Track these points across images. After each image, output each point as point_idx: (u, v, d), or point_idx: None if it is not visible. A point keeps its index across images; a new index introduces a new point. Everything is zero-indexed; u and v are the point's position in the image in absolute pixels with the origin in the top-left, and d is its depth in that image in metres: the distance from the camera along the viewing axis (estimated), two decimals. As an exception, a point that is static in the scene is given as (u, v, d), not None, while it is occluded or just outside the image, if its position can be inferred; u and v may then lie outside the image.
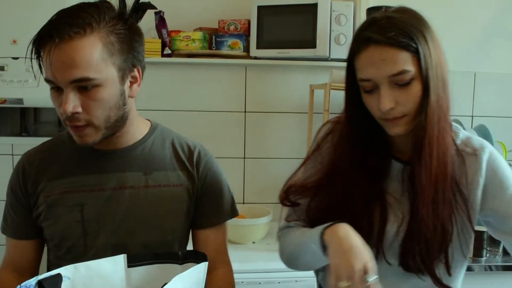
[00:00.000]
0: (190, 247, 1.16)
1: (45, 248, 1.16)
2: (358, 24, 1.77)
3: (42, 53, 0.95)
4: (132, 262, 0.92)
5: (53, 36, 0.91)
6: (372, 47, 0.91)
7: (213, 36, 2.15)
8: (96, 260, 0.89)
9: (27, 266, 1.14)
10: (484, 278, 1.83)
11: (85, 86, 0.94)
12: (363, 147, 1.01)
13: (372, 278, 0.86)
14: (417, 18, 0.95)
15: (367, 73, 0.93)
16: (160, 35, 2.11)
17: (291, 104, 2.27)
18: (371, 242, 0.99)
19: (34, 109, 2.17)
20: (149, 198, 1.08)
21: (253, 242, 1.99)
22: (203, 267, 0.89)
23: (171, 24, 2.13)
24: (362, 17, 2.05)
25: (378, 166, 1.03)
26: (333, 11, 2.05)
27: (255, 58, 2.14)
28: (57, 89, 0.96)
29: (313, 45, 2.04)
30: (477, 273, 1.83)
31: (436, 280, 1.00)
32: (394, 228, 1.01)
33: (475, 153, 1.03)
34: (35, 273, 1.15)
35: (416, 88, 0.92)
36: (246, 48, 2.15)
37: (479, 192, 1.02)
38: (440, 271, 1.00)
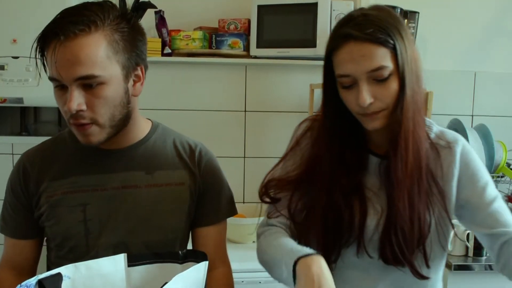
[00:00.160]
0: (189, 245, 1.16)
1: (44, 247, 1.16)
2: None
3: (46, 52, 0.95)
4: (132, 262, 0.92)
5: (58, 34, 0.91)
6: (351, 43, 0.93)
7: (213, 36, 2.15)
8: (96, 260, 0.89)
9: (25, 265, 1.14)
10: (484, 277, 1.83)
11: (89, 84, 0.94)
12: (341, 142, 1.03)
13: None
14: (392, 16, 0.97)
15: (346, 69, 0.95)
16: (160, 35, 2.11)
17: (291, 103, 2.27)
18: (352, 236, 1.01)
19: (34, 109, 2.17)
20: (151, 197, 1.08)
21: (253, 242, 1.99)
22: (203, 266, 0.89)
23: (171, 24, 2.13)
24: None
25: (356, 161, 1.05)
26: (333, 10, 2.05)
27: (255, 57, 2.14)
28: (61, 88, 0.96)
29: (313, 45, 2.04)
30: (477, 273, 1.83)
31: (415, 271, 1.02)
32: (374, 221, 1.02)
33: (449, 146, 1.06)
34: (34, 271, 1.15)
35: (393, 84, 0.94)
36: (246, 48, 2.15)
37: (454, 184, 1.05)
38: (419, 262, 1.02)
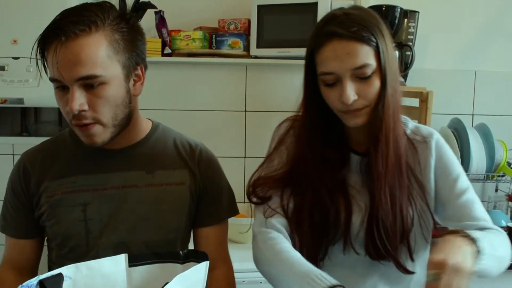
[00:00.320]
0: (191, 245, 1.16)
1: (45, 247, 1.16)
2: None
3: (46, 53, 0.95)
4: (133, 262, 0.92)
5: (59, 35, 0.92)
6: (336, 41, 0.94)
7: (213, 36, 2.15)
8: (98, 260, 0.89)
9: (26, 264, 1.14)
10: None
11: (91, 84, 0.95)
12: (322, 140, 1.05)
13: None
14: (372, 15, 0.99)
15: (330, 67, 0.96)
16: (160, 35, 2.11)
17: (292, 103, 2.26)
18: (338, 232, 1.03)
19: (35, 109, 2.17)
20: (152, 197, 1.08)
21: (254, 241, 1.99)
22: (204, 266, 0.89)
23: (171, 24, 2.13)
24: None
25: (338, 159, 1.06)
26: (333, 10, 2.05)
27: (255, 57, 2.14)
28: (62, 89, 0.96)
29: (314, 44, 2.04)
30: (478, 272, 1.83)
31: (400, 265, 1.03)
32: (359, 219, 1.04)
33: (425, 140, 1.08)
34: (35, 271, 1.15)
35: (376, 81, 0.97)
36: (246, 47, 2.14)
37: (432, 176, 1.07)
38: (403, 256, 1.03)
